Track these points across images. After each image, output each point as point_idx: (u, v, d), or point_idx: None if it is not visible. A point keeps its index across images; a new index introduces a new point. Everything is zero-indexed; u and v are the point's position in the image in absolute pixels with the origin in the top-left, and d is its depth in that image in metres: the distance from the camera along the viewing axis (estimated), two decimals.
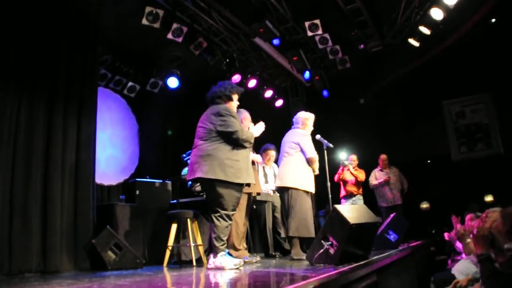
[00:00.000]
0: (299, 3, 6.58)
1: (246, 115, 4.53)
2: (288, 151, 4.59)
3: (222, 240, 3.56)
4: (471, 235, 2.66)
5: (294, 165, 4.51)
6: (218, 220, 3.58)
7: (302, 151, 4.53)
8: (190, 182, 5.03)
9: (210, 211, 3.66)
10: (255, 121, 4.80)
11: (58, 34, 4.51)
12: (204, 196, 4.19)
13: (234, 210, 3.70)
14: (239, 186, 3.68)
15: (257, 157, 4.99)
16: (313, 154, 4.52)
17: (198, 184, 4.27)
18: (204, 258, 4.38)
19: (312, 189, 4.54)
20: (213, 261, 3.55)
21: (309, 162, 4.53)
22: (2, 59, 4.02)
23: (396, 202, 7.26)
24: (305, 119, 4.76)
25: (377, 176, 7.53)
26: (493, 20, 7.49)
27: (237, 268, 3.47)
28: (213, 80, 4.14)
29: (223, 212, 3.59)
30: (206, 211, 4.74)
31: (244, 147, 3.77)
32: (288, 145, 4.61)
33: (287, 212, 4.45)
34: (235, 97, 4.00)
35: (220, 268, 3.47)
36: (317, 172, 4.65)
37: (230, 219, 3.65)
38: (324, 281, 2.29)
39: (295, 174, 4.46)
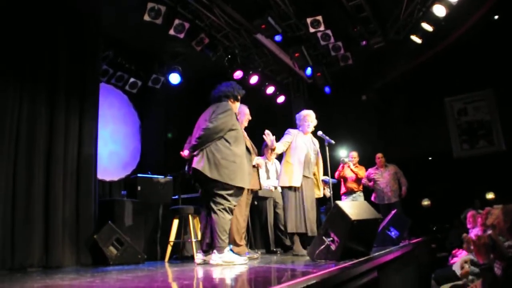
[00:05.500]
0: None
1: (245, 110, 4.56)
2: None
3: (227, 232, 3.62)
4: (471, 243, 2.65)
5: (283, 164, 4.64)
6: (222, 212, 3.61)
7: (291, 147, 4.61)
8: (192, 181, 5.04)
9: (213, 205, 3.65)
10: (255, 118, 4.81)
11: (56, 25, 4.47)
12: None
13: (235, 203, 3.75)
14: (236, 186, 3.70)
15: (260, 162, 4.88)
16: (276, 144, 4.46)
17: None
18: None
19: (297, 183, 4.46)
20: (219, 257, 3.55)
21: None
22: (1, 53, 3.99)
23: (388, 201, 7.12)
24: (305, 116, 4.80)
25: (370, 175, 7.44)
26: (496, 16, 7.47)
27: (246, 264, 3.52)
28: (215, 76, 4.15)
29: (226, 204, 3.63)
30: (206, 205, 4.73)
31: (244, 148, 3.81)
32: None
33: (286, 209, 4.53)
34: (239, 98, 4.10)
35: (229, 263, 3.50)
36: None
37: (232, 212, 3.71)
38: (325, 277, 2.30)
39: (284, 172, 4.57)
